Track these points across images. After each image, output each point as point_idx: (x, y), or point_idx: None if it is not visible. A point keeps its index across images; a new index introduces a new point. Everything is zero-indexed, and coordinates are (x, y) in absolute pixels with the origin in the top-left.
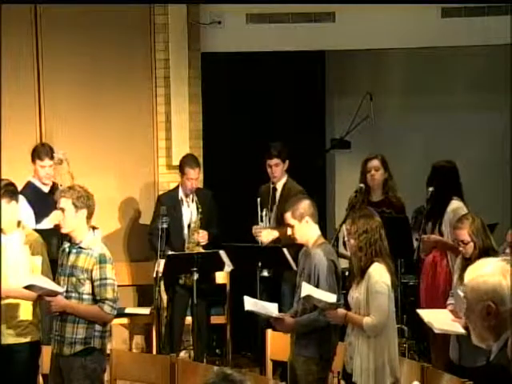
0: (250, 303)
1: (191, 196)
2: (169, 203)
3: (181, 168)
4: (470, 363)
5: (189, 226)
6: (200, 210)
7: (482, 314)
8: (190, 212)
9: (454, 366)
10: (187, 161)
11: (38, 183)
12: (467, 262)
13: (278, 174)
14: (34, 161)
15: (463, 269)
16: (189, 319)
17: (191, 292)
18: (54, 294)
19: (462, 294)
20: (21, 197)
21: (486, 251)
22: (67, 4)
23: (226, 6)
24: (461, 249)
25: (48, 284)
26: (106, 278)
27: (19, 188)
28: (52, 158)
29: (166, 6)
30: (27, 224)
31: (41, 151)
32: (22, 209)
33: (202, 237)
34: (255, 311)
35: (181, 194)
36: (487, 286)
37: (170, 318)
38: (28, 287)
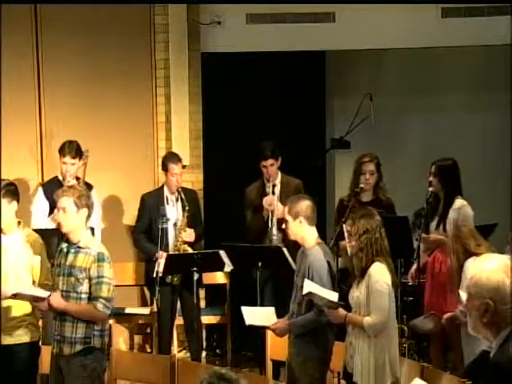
0: (249, 314)
1: (176, 194)
2: (153, 202)
3: (164, 165)
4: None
5: (175, 224)
6: (187, 207)
7: (479, 309)
8: (175, 211)
9: None
10: (169, 157)
11: (61, 178)
12: None
13: (274, 173)
14: (59, 156)
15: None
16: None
17: (179, 290)
18: (41, 299)
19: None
20: (40, 189)
21: (462, 260)
22: (67, 4)
23: (225, 6)
24: None
25: (34, 291)
26: (102, 277)
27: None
28: (75, 157)
29: (166, 6)
30: (35, 218)
31: (65, 148)
32: (37, 201)
33: (189, 235)
34: (255, 324)
35: (166, 192)
36: (489, 283)
37: (158, 317)
38: (14, 296)
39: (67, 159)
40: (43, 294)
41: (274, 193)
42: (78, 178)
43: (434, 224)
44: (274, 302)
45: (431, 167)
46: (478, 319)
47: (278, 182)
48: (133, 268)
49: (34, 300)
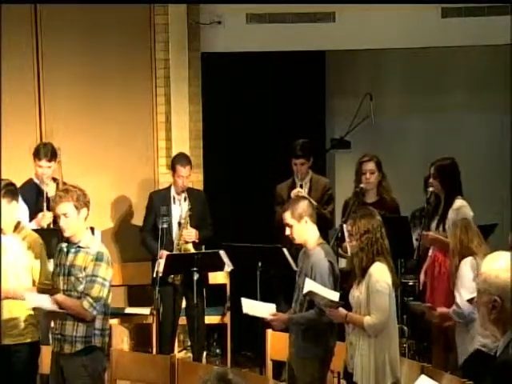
0: (248, 306)
1: (183, 195)
2: (160, 201)
3: (172, 166)
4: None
5: (179, 224)
6: (190, 207)
7: (487, 306)
8: (180, 210)
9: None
10: (178, 159)
11: (37, 181)
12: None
13: (304, 172)
14: (34, 159)
15: None
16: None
17: (182, 290)
18: (61, 313)
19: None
20: None
21: (462, 253)
22: (67, 4)
23: (225, 6)
24: None
25: (53, 307)
26: (96, 276)
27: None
28: (51, 159)
29: (166, 6)
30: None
31: (40, 151)
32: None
33: (189, 233)
34: (252, 314)
35: (173, 192)
36: (498, 280)
37: (158, 317)
38: (35, 308)
39: (43, 163)
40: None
41: (301, 187)
42: (54, 179)
43: (434, 224)
44: (283, 300)
45: (430, 168)
46: (486, 316)
47: (307, 180)
48: (136, 268)
49: (53, 313)
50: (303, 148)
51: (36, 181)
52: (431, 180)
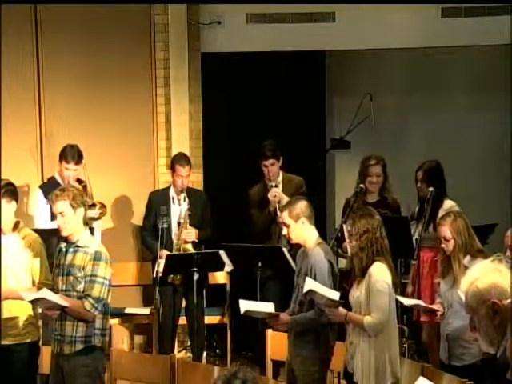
0: (245, 305)
1: (182, 195)
2: (159, 201)
3: (172, 166)
4: (458, 362)
5: (179, 224)
6: (189, 207)
7: (489, 315)
8: (180, 210)
9: (444, 366)
10: (177, 158)
11: (60, 180)
12: (449, 259)
13: (275, 173)
14: (60, 160)
15: (444, 265)
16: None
17: (182, 290)
18: (59, 307)
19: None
20: (39, 191)
21: (466, 249)
22: (67, 4)
23: (225, 6)
24: (443, 245)
25: (54, 298)
26: (96, 275)
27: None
28: (78, 162)
29: (166, 6)
30: (38, 221)
31: (67, 154)
32: (38, 203)
33: (188, 234)
34: (251, 311)
35: (172, 192)
36: (485, 285)
37: (158, 317)
38: (34, 301)
39: (71, 166)
40: (63, 302)
41: (276, 187)
42: (80, 181)
43: (420, 226)
44: (275, 302)
45: (416, 173)
46: (490, 325)
47: (279, 180)
48: (136, 268)
49: (51, 308)
50: (271, 148)
51: (58, 179)
52: (419, 184)
